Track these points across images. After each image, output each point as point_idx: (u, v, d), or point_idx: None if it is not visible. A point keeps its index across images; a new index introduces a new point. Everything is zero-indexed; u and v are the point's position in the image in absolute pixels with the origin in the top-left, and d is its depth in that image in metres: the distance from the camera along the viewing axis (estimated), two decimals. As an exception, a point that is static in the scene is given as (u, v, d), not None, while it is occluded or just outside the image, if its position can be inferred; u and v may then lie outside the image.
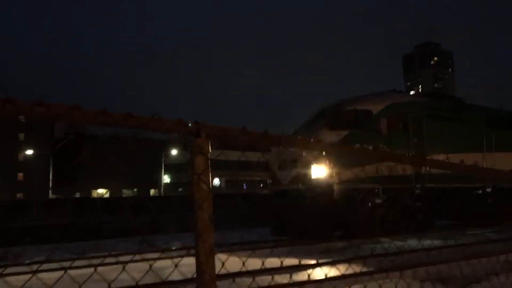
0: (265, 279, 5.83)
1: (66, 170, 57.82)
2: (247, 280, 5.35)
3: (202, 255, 1.51)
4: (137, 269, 6.52)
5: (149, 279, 5.72)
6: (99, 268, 7.40)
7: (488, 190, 16.31)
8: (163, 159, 66.22)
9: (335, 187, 11.93)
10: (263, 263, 4.02)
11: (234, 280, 4.83)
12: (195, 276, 1.60)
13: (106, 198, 48.28)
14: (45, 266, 8.37)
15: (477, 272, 6.39)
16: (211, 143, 1.55)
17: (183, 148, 64.63)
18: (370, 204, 12.91)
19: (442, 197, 14.59)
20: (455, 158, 14.86)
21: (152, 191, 66.96)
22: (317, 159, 11.87)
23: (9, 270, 8.09)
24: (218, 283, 1.53)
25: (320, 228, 11.70)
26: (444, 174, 12.87)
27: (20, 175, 59.05)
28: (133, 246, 12.41)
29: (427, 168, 13.32)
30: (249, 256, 3.24)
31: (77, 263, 8.85)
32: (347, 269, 7.04)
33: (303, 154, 11.77)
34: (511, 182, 14.41)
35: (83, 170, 58.08)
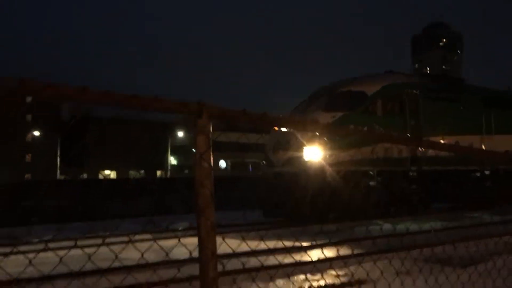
0: (257, 262, 5.88)
1: (73, 152, 58.28)
2: (238, 262, 5.44)
3: (204, 231, 1.58)
4: (142, 248, 6.66)
5: (155, 257, 5.84)
6: (105, 248, 7.56)
7: (487, 172, 16.14)
8: (169, 141, 66.45)
9: (328, 169, 11.87)
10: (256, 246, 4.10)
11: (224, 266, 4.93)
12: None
13: (113, 179, 48.72)
14: (53, 244, 8.56)
15: (474, 254, 6.47)
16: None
17: (189, 130, 64.82)
18: (364, 186, 12.84)
19: (439, 180, 14.45)
20: (453, 140, 14.75)
21: (158, 173, 67.40)
22: (310, 141, 11.81)
23: (19, 248, 8.28)
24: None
25: (313, 210, 11.67)
26: (441, 157, 12.76)
27: (28, 156, 59.57)
28: (139, 227, 12.60)
29: (423, 150, 13.22)
30: (242, 238, 3.33)
31: (85, 242, 9.04)
32: (338, 251, 7.09)
33: (297, 136, 11.71)
34: (508, 164, 14.30)
35: (91, 152, 58.50)
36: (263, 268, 5.58)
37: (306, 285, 5.93)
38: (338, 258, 6.72)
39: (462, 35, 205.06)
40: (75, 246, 7.83)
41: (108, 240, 9.06)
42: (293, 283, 5.84)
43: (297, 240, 7.80)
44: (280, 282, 5.71)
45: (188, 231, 11.13)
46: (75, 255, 3.56)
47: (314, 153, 12.06)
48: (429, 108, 14.76)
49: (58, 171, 58.78)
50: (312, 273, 6.09)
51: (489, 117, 16.47)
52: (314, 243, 8.37)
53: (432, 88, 15.72)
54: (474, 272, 5.68)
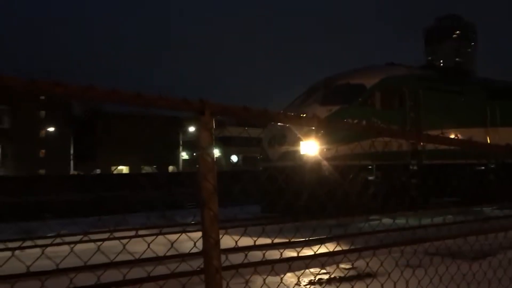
0: (257, 255, 5.89)
1: (86, 147, 58.91)
2: (239, 256, 5.50)
3: (207, 221, 1.66)
4: (154, 242, 6.77)
5: (164, 250, 5.94)
6: (116, 241, 7.71)
7: (491, 166, 15.69)
8: (180, 136, 66.81)
9: (324, 164, 11.67)
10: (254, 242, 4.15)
11: (227, 257, 5.01)
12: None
13: (125, 174, 49.23)
14: (67, 239, 8.74)
15: (483, 248, 6.47)
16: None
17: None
18: (362, 180, 12.59)
19: (441, 174, 14.06)
20: (456, 132, 14.52)
21: (170, 168, 67.84)
22: (306, 135, 11.61)
23: (33, 242, 8.48)
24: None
25: (309, 205, 11.45)
26: (442, 150, 12.67)
27: (42, 151, 60.34)
28: (151, 221, 12.76)
29: (423, 144, 12.97)
30: (242, 234, 3.39)
31: (99, 236, 9.20)
32: (335, 246, 7.07)
33: (293, 131, 11.54)
34: (509, 157, 14.03)
35: (103, 147, 59.06)
36: (268, 261, 5.66)
37: (317, 278, 6.00)
38: (344, 251, 6.75)
39: (475, 26, 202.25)
40: (80, 242, 8.01)
41: (118, 234, 9.22)
42: (299, 277, 5.91)
43: (290, 236, 7.72)
44: (288, 275, 5.79)
45: (198, 225, 11.29)
46: (88, 249, 3.67)
47: (310, 147, 11.86)
48: (430, 101, 14.39)
49: (72, 166, 59.47)
50: (320, 267, 6.14)
51: (494, 109, 16.03)
52: (315, 237, 8.27)
53: (434, 80, 15.31)
54: (486, 264, 5.72)
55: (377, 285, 3.57)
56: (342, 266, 6.31)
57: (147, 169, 62.22)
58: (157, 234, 2.91)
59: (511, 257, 4.71)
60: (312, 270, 5.85)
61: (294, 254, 6.82)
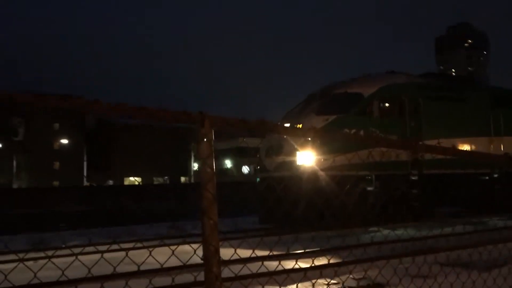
0: (254, 266, 5.79)
1: (99, 159, 59.45)
2: (237, 267, 5.48)
3: (207, 229, 1.72)
4: (163, 253, 6.83)
5: (174, 262, 6.00)
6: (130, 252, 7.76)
7: (496, 175, 15.20)
8: (192, 147, 67.14)
9: (321, 174, 11.48)
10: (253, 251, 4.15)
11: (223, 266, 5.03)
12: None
13: (138, 185, 49.52)
14: (78, 250, 8.86)
15: (489, 259, 6.41)
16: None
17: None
18: (360, 191, 12.36)
19: (443, 184, 13.71)
20: (458, 142, 14.13)
21: (182, 179, 68.09)
22: (303, 146, 11.48)
23: (47, 253, 8.59)
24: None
25: (306, 216, 11.29)
26: (444, 160, 12.14)
27: (56, 163, 61.02)
28: (162, 231, 12.84)
29: (423, 154, 12.80)
30: (239, 245, 3.40)
31: (111, 247, 9.28)
32: (330, 258, 6.95)
33: (290, 141, 11.40)
34: (508, 166, 13.68)
35: (116, 158, 59.56)
36: (269, 273, 5.64)
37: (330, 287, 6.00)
38: (354, 262, 6.73)
39: (487, 34, 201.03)
40: (89, 253, 8.10)
41: (126, 245, 9.23)
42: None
43: (288, 247, 7.54)
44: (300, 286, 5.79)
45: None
46: (98, 260, 3.75)
47: (307, 158, 11.74)
48: (431, 109, 14.08)
49: (85, 177, 60.01)
50: (324, 278, 6.14)
51: (499, 118, 15.57)
52: (316, 248, 8.13)
53: (435, 88, 14.96)
54: (495, 273, 5.67)
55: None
56: (352, 276, 6.30)
57: (159, 180, 62.53)
58: (160, 245, 2.97)
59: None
60: (320, 280, 5.87)
61: (304, 265, 6.81)
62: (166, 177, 65.81)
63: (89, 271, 2.85)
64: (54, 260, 6.39)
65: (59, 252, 8.80)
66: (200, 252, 1.86)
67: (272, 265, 6.25)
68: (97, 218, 18.36)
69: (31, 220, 18.29)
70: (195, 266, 6.27)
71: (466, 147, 14.33)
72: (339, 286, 6.11)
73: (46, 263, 4.85)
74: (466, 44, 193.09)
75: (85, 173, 59.30)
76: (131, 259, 3.68)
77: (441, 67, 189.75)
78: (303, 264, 7.08)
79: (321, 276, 6.06)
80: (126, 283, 2.67)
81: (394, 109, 13.65)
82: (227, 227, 12.44)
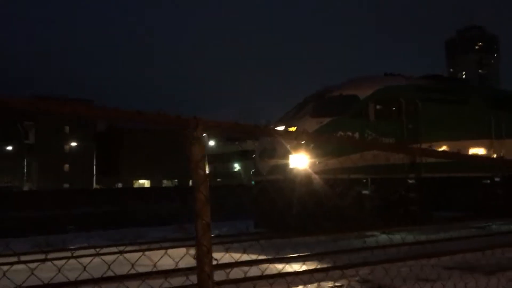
0: (239, 273, 5.75)
1: (108, 162, 59.85)
2: (220, 273, 5.48)
3: (200, 230, 1.78)
4: (172, 254, 6.89)
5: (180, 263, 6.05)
6: (137, 254, 7.86)
7: (497, 179, 14.81)
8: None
9: (315, 177, 11.29)
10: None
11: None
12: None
13: (146, 188, 49.80)
14: (85, 251, 8.97)
15: (497, 262, 6.40)
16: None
17: (220, 139, 65.45)
18: (355, 195, 12.15)
19: (442, 187, 13.45)
20: (457, 145, 13.82)
21: (191, 182, 68.25)
22: (296, 148, 11.30)
23: (56, 255, 8.71)
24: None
25: (299, 220, 11.11)
26: (444, 163, 11.81)
27: (66, 166, 61.56)
28: (170, 233, 12.93)
29: (421, 157, 12.17)
30: (227, 250, 3.40)
31: (119, 248, 9.37)
32: (318, 264, 6.82)
33: (282, 143, 11.20)
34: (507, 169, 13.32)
35: (125, 161, 59.95)
36: (265, 276, 5.64)
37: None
38: (356, 265, 6.73)
39: (498, 37, 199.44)
40: (98, 254, 8.17)
41: (138, 247, 9.33)
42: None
43: (279, 252, 7.46)
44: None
45: (214, 239, 11.33)
46: (100, 262, 3.83)
47: (300, 161, 11.55)
48: (430, 112, 13.80)
49: (94, 180, 60.47)
50: (326, 280, 6.16)
51: (499, 120, 15.25)
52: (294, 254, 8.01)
53: (434, 90, 14.69)
54: (503, 277, 5.66)
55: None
56: (357, 278, 6.31)
57: (167, 183, 62.78)
58: (158, 249, 3.03)
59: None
60: (324, 283, 5.89)
61: (295, 268, 6.75)
62: (176, 180, 66.05)
63: (84, 269, 2.92)
64: (56, 262, 6.48)
65: (58, 254, 8.92)
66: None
67: (269, 269, 6.24)
68: (105, 220, 18.51)
69: (38, 222, 18.49)
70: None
71: (465, 149, 14.00)
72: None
73: (36, 266, 4.93)
74: (476, 47, 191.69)
75: (94, 176, 59.74)
76: (128, 260, 3.74)
77: (451, 70, 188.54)
78: (297, 267, 7.06)
79: (324, 279, 6.07)
80: (123, 283, 2.73)
81: (391, 111, 13.43)
82: (219, 231, 12.43)
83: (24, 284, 4.36)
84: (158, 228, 14.34)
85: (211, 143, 66.49)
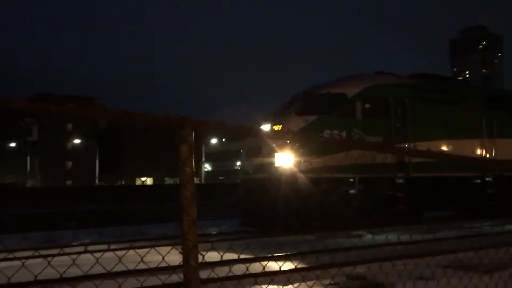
0: (224, 270, 5.79)
1: (110, 159, 60.05)
2: (205, 272, 5.50)
3: (186, 225, 1.85)
4: (168, 252, 6.96)
5: (178, 260, 6.12)
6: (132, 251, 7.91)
7: (488, 179, 14.63)
8: (203, 148, 67.47)
9: (299, 176, 11.19)
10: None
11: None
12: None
13: (147, 185, 49.96)
14: (89, 247, 9.06)
15: (490, 261, 6.44)
16: None
17: (222, 137, 65.61)
18: (342, 194, 12.04)
19: (432, 187, 13.31)
20: (448, 144, 13.79)
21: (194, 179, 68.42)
22: (282, 147, 11.25)
23: (59, 251, 8.80)
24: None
25: (284, 219, 11.03)
26: (433, 162, 11.85)
27: (69, 163, 61.82)
28: (171, 230, 13.01)
29: (408, 156, 12.21)
30: (209, 249, 3.45)
31: (117, 245, 9.47)
32: (299, 262, 6.77)
33: (268, 142, 10.72)
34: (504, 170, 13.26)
35: (128, 159, 60.14)
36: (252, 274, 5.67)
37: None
38: (354, 263, 6.78)
39: (501, 36, 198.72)
40: (104, 250, 8.26)
41: (137, 244, 9.41)
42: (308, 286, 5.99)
43: (261, 251, 7.36)
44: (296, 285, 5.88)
45: (218, 236, 11.40)
46: (109, 257, 3.91)
47: (285, 159, 11.46)
48: (419, 111, 13.64)
49: (97, 177, 60.69)
50: (320, 279, 6.21)
51: (492, 120, 15.04)
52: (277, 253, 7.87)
53: (424, 89, 14.52)
54: (496, 276, 5.71)
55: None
56: (351, 276, 6.37)
57: (170, 180, 62.96)
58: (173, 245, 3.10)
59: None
60: (324, 281, 5.95)
61: (284, 267, 6.71)
62: (178, 178, 66.14)
63: (73, 262, 2.99)
64: (58, 258, 6.56)
65: (69, 250, 9.00)
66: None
67: (238, 268, 6.23)
68: (106, 217, 18.62)
69: (41, 219, 18.62)
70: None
71: (455, 149, 13.90)
72: (336, 286, 6.17)
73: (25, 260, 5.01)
74: (480, 47, 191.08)
75: (97, 173, 59.95)
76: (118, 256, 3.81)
77: (455, 69, 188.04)
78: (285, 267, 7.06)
79: (320, 277, 6.12)
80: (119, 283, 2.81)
81: (378, 110, 13.24)
82: (201, 230, 12.41)
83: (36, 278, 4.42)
84: (160, 225, 14.43)
85: (213, 141, 66.65)
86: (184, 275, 1.85)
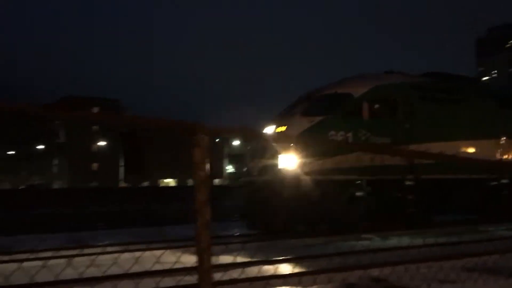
0: (236, 272, 5.87)
1: (135, 161, 60.89)
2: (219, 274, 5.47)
3: (200, 227, 1.91)
4: (191, 252, 7.05)
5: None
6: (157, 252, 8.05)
7: (504, 181, 14.02)
8: (225, 149, 67.88)
9: (303, 178, 10.94)
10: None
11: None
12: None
13: (171, 187, 50.53)
14: (111, 248, 9.24)
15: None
16: None
17: (244, 139, 65.73)
18: (348, 197, 11.76)
19: (443, 190, 12.88)
20: (460, 145, 13.34)
21: (216, 181, 68.88)
22: (286, 148, 10.91)
23: (88, 251, 9.00)
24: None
25: (288, 222, 10.87)
26: (443, 164, 11.48)
27: (94, 164, 62.99)
28: (190, 232, 13.10)
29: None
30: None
31: (135, 246, 9.60)
32: (294, 266, 6.83)
33: (272, 144, 10.88)
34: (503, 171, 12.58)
35: (151, 161, 60.91)
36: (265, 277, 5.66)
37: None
38: (374, 265, 6.72)
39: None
40: (123, 251, 8.39)
41: (154, 245, 9.45)
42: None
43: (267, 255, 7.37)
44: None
45: (232, 238, 11.45)
46: (127, 258, 4.00)
47: (289, 161, 11.24)
48: (428, 111, 13.23)
49: (121, 179, 61.68)
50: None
51: (505, 120, 14.50)
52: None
53: (434, 88, 14.06)
54: None
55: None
56: (370, 278, 6.33)
57: (192, 182, 63.40)
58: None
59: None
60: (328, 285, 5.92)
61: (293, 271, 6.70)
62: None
63: (84, 264, 3.08)
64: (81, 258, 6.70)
65: (93, 251, 9.19)
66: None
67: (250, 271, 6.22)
68: (130, 218, 18.90)
69: (66, 220, 19.04)
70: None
71: (466, 150, 13.53)
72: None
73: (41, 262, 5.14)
74: (508, 45, 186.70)
75: (121, 175, 60.94)
76: (120, 262, 3.89)
77: (482, 69, 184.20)
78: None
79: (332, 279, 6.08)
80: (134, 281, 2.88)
81: (386, 110, 12.93)
82: (215, 232, 12.37)
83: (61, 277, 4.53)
84: (184, 226, 14.57)
85: (236, 142, 66.86)
86: (198, 275, 1.91)
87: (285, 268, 6.91)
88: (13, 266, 5.69)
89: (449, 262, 7.01)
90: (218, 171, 67.96)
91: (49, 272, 3.83)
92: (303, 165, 11.23)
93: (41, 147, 60.91)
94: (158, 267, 5.65)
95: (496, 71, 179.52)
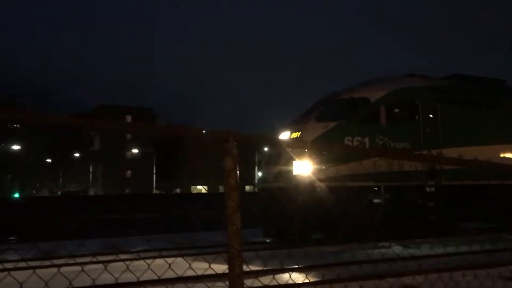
0: (267, 279, 5.79)
1: (167, 168, 61.83)
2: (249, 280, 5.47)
3: (231, 234, 1.95)
4: (222, 258, 7.09)
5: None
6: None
7: None
8: (256, 156, 67.86)
9: (318, 185, 10.72)
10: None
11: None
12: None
13: (203, 193, 51.00)
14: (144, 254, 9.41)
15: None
16: None
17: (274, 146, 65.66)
18: (365, 204, 11.41)
19: (467, 196, 12.40)
20: (483, 150, 12.74)
21: (247, 187, 69.05)
22: (302, 155, 10.66)
23: (123, 256, 9.21)
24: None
25: (303, 229, 10.65)
26: (467, 169, 11.13)
27: (128, 172, 64.27)
28: (223, 238, 13.19)
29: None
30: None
31: (168, 252, 9.73)
32: (304, 276, 6.58)
33: (287, 149, 10.56)
34: None
35: (183, 168, 61.67)
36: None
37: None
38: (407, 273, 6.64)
39: None
40: (156, 257, 8.55)
41: (187, 251, 9.52)
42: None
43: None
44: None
45: (262, 244, 11.41)
46: (160, 264, 4.10)
47: (305, 167, 11.01)
48: (451, 115, 12.74)
49: (154, 185, 62.66)
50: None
51: None
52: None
53: (457, 91, 13.61)
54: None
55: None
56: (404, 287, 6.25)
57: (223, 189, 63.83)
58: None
59: None
60: None
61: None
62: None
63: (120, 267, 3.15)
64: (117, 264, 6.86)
65: (127, 256, 9.39)
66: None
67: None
68: (163, 224, 19.18)
69: (102, 226, 19.49)
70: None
71: (492, 155, 12.78)
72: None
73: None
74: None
75: (154, 182, 61.92)
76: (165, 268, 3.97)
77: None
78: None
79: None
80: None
81: (405, 114, 12.53)
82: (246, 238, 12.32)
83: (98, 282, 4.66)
84: (213, 232, 14.65)
85: (266, 148, 66.84)
86: (229, 280, 1.95)
87: (315, 276, 6.88)
88: (53, 270, 5.90)
89: (485, 270, 6.83)
90: (249, 177, 68.19)
91: (86, 277, 3.96)
92: (318, 171, 11.02)
93: (76, 155, 62.61)
94: (190, 273, 5.73)
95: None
